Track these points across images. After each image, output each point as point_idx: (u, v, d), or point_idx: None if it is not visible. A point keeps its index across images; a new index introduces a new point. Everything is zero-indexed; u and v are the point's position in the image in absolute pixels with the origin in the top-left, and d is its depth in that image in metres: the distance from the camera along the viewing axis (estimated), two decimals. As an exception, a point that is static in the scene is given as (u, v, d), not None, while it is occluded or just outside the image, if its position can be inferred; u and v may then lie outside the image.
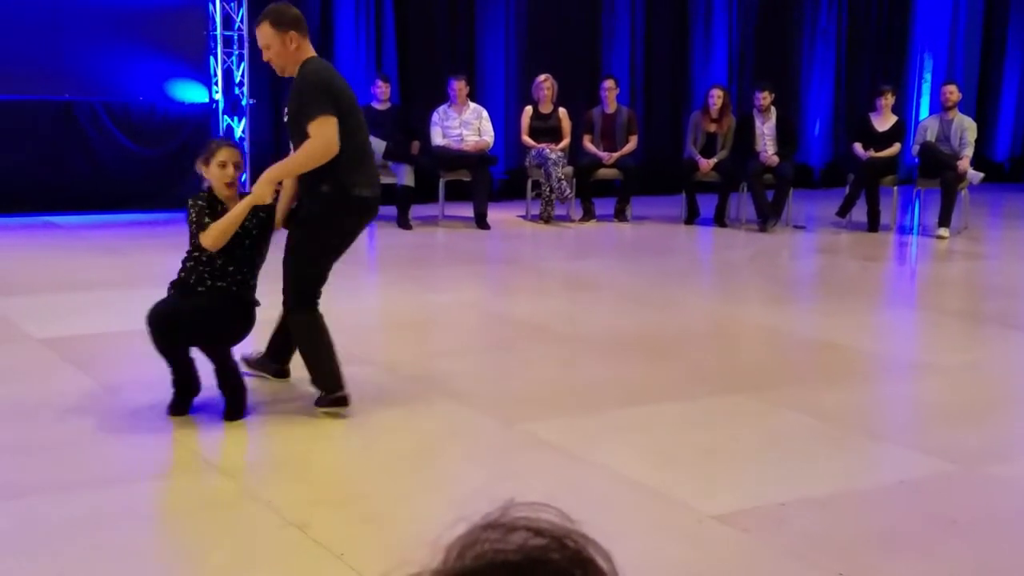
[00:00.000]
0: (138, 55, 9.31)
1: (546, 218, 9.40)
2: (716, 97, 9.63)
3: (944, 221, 9.03)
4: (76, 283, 6.45)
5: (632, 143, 9.78)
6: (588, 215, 9.59)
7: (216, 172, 3.99)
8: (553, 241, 8.83)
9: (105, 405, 4.16)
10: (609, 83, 9.80)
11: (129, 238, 8.29)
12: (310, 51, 4.12)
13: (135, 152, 9.41)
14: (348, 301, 6.28)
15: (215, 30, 9.69)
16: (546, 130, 9.53)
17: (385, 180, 9.39)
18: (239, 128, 9.89)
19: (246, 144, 9.91)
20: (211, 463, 3.72)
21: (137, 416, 4.00)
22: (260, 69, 9.97)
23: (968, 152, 9.17)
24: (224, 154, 4.00)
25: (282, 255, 4.09)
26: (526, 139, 9.55)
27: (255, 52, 9.74)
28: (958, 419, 4.26)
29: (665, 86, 12.05)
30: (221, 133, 9.80)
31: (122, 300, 5.98)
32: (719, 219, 9.60)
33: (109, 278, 6.65)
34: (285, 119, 4.16)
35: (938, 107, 9.74)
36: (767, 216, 9.26)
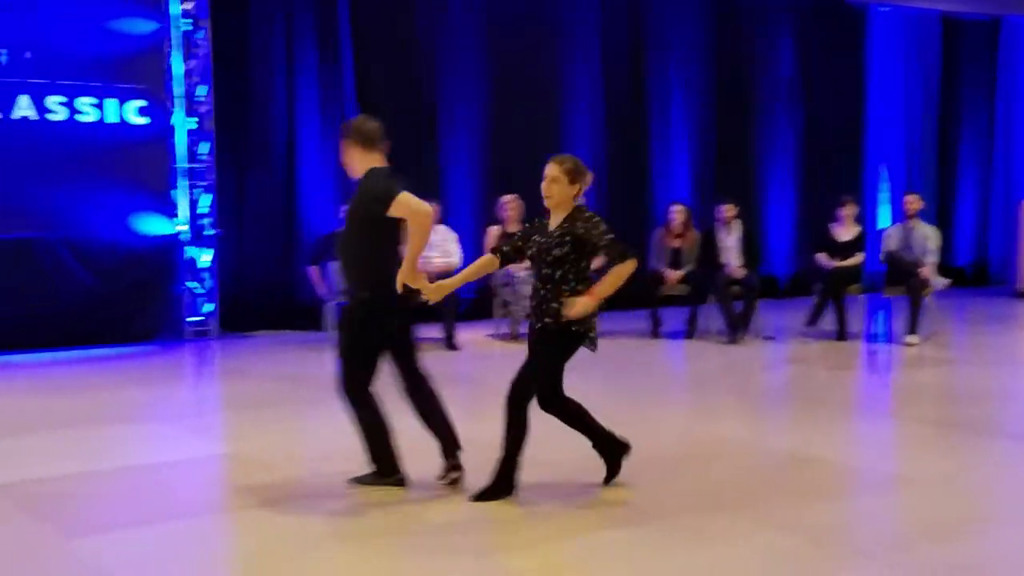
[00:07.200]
0: (101, 190, 9.31)
1: (514, 336, 9.36)
2: (677, 213, 9.76)
3: (912, 328, 9.07)
4: (34, 424, 6.26)
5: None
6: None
7: (543, 185, 4.47)
8: (522, 360, 8.73)
9: (59, 553, 3.98)
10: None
11: (89, 375, 8.13)
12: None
13: (98, 288, 9.32)
14: (314, 430, 6.16)
15: (179, 163, 9.74)
16: (512, 250, 9.55)
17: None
18: (205, 259, 9.85)
19: (215, 276, 9.87)
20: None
21: (92, 564, 3.82)
22: (226, 200, 10.05)
23: (932, 259, 9.28)
24: (549, 169, 4.48)
25: None
26: (492, 259, 9.57)
27: (220, 183, 9.90)
28: (938, 535, 4.16)
29: (627, 204, 12.19)
30: (187, 264, 9.77)
31: (81, 440, 5.82)
32: (689, 332, 9.60)
33: (67, 417, 6.47)
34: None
35: (900, 216, 9.89)
36: (736, 328, 9.27)
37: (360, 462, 4.90)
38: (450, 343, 9.05)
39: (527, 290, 9.22)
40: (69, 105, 9.19)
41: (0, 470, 5.14)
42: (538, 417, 4.65)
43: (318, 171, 10.41)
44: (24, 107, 9.01)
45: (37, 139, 9.07)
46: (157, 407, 7.00)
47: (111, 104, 9.36)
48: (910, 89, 13.80)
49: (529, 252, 4.55)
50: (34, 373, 8.22)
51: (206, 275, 9.86)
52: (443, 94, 11.08)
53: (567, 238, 4.44)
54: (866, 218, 13.22)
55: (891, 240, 9.53)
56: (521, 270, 9.33)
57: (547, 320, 4.48)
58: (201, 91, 9.76)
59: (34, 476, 5.05)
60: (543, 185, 4.48)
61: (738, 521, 4.27)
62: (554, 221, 4.51)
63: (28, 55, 8.99)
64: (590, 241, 4.46)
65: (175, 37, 9.66)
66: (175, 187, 9.73)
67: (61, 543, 4.08)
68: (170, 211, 9.70)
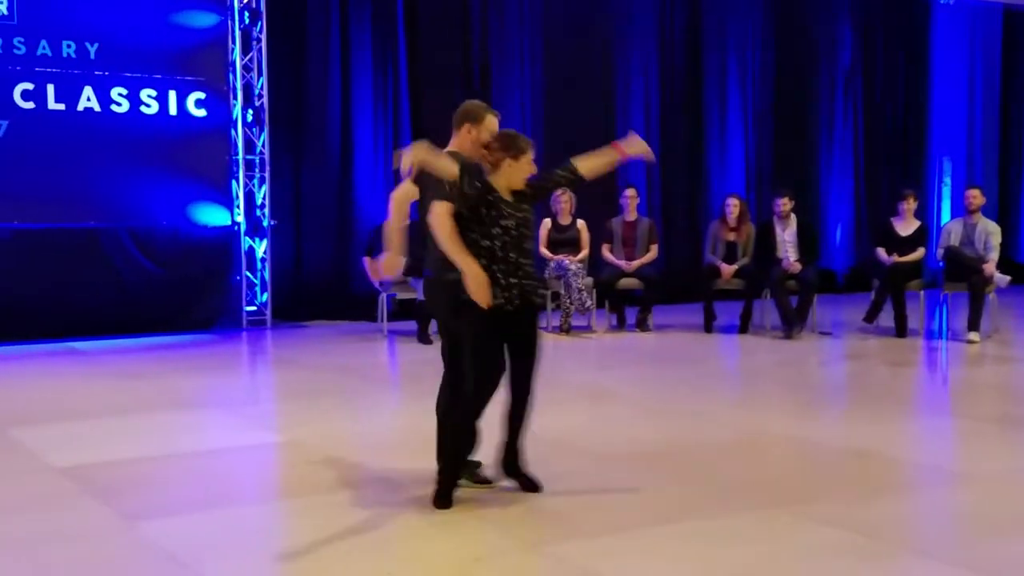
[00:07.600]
0: (161, 181, 9.48)
1: (566, 329, 9.36)
2: (733, 206, 9.68)
3: (973, 325, 8.90)
4: (96, 410, 6.40)
5: (653, 252, 9.80)
6: (621, 324, 9.67)
7: (526, 167, 4.38)
8: (575, 353, 8.74)
9: (121, 535, 4.06)
10: (630, 191, 9.92)
11: (149, 362, 8.29)
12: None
13: (159, 276, 9.50)
14: (365, 420, 6.21)
15: (237, 154, 9.87)
16: (565, 242, 9.57)
17: (404, 296, 9.47)
18: (260, 249, 9.98)
19: (268, 265, 10.00)
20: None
21: (154, 547, 3.89)
22: (282, 191, 10.17)
23: (994, 256, 9.10)
24: (533, 153, 4.42)
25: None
26: (545, 251, 9.58)
27: (276, 174, 10.02)
28: (998, 531, 4.08)
29: (683, 196, 12.13)
30: (243, 254, 9.91)
31: (141, 426, 5.94)
32: (743, 326, 9.52)
33: (128, 403, 6.60)
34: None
35: (960, 211, 9.70)
36: (792, 323, 9.17)
37: (408, 451, 4.93)
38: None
39: (579, 282, 9.23)
40: (132, 97, 9.36)
41: (65, 454, 5.26)
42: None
43: (372, 163, 10.49)
44: (89, 99, 9.20)
45: (101, 130, 9.25)
46: (215, 394, 7.12)
47: (172, 96, 9.51)
48: (973, 82, 13.53)
49: (510, 227, 4.29)
50: (97, 360, 8.39)
51: (262, 265, 9.99)
52: (498, 84, 11.11)
53: (528, 205, 4.44)
54: (928, 212, 13.00)
55: (951, 235, 9.35)
56: (574, 263, 9.33)
57: (543, 292, 4.45)
58: (259, 83, 9.88)
59: (97, 460, 5.16)
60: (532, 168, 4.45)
61: (786, 516, 4.22)
62: (508, 194, 4.38)
63: (94, 46, 9.17)
64: (540, 193, 4.53)
65: (234, 30, 9.79)
66: (234, 178, 9.87)
67: (123, 526, 4.17)
68: (228, 202, 9.84)
